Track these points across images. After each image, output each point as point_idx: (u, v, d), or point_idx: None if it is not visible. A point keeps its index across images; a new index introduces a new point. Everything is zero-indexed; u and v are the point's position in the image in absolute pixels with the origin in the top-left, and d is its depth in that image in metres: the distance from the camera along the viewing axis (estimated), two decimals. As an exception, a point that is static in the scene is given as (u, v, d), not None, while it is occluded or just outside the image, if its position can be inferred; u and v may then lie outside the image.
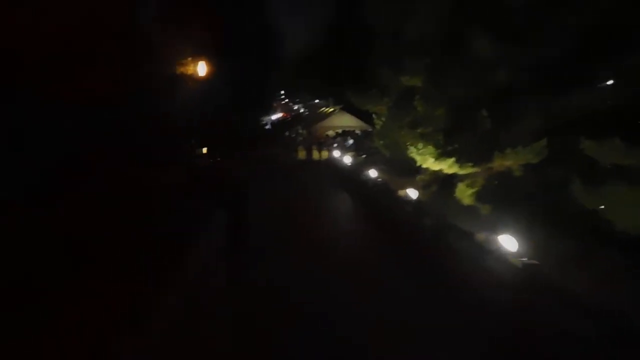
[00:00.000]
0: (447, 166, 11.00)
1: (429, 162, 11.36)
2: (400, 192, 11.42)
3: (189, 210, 10.20)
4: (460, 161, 10.84)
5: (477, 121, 10.88)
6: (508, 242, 6.60)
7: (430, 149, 11.25)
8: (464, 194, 11.07)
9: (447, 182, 13.33)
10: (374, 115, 19.24)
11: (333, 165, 21.63)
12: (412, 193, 10.89)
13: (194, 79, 21.38)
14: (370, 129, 28.47)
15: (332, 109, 32.56)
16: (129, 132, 16.78)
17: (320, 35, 35.20)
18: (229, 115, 27.25)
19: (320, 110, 35.59)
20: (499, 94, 10.91)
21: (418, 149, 11.44)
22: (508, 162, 11.09)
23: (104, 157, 14.09)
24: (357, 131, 29.97)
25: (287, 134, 31.66)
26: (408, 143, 12.33)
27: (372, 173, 14.70)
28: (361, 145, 28.40)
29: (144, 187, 13.78)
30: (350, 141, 29.06)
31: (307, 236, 10.01)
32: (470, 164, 10.94)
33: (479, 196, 10.82)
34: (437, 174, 13.22)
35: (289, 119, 45.86)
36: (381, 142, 17.63)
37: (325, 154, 26.23)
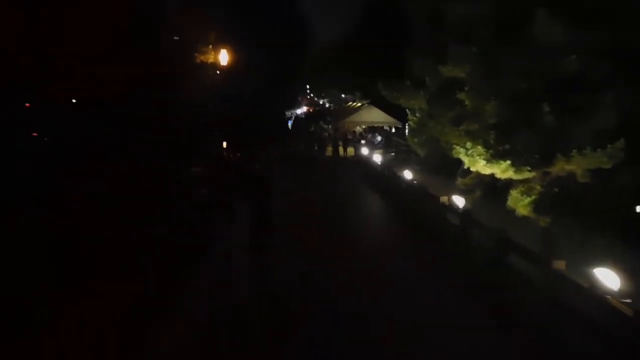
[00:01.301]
0: (501, 170, 9.28)
1: (479, 165, 9.65)
2: (443, 199, 9.75)
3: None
4: (516, 164, 9.11)
5: (538, 117, 9.14)
6: (605, 277, 4.94)
7: (480, 149, 9.55)
8: (519, 203, 9.35)
9: (493, 187, 11.61)
10: (407, 111, 17.55)
11: (361, 164, 19.91)
12: (459, 201, 9.21)
13: (215, 67, 20.05)
14: (400, 125, 26.69)
15: (359, 104, 30.83)
16: (146, 124, 15.57)
17: (350, 25, 33.51)
18: (254, 108, 25.92)
19: (347, 105, 33.87)
20: (565, 85, 9.13)
21: (466, 150, 9.73)
22: (571, 166, 9.33)
23: (117, 151, 13.03)
24: (386, 127, 28.20)
25: (312, 129, 30.13)
26: (453, 142, 10.63)
27: (407, 174, 13.01)
28: (390, 142, 26.68)
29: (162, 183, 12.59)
30: (379, 138, 27.36)
31: (339, 259, 8.06)
32: (527, 168, 9.20)
33: (537, 206, 9.08)
34: (482, 178, 11.49)
35: (315, 113, 44.32)
36: (416, 140, 15.95)
37: (351, 150, 24.59)
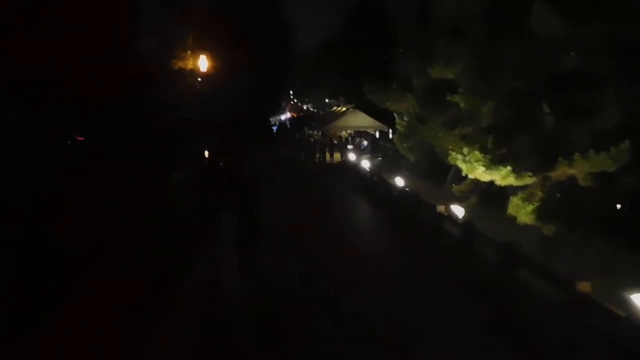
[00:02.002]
0: (501, 177, 8.61)
1: (478, 172, 8.97)
2: (440, 208, 9.04)
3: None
4: (517, 170, 8.44)
5: (537, 118, 8.50)
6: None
7: (477, 155, 8.87)
8: (521, 210, 8.68)
9: (489, 192, 10.96)
10: (395, 115, 16.90)
11: (349, 170, 19.13)
12: (457, 210, 8.51)
13: (195, 74, 19.20)
14: (386, 129, 26.08)
15: (344, 108, 30.17)
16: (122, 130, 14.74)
17: (334, 30, 32.90)
18: (237, 114, 25.05)
19: (332, 110, 33.20)
20: (565, 83, 8.51)
21: (463, 156, 9.04)
22: (573, 170, 8.70)
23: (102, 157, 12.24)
24: (372, 132, 27.57)
25: (297, 135, 29.36)
26: (449, 147, 9.94)
27: (398, 181, 12.29)
28: (377, 147, 26.03)
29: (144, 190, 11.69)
30: (365, 142, 26.69)
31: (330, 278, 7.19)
32: (529, 174, 8.55)
33: (541, 213, 8.41)
34: (477, 184, 10.84)
35: (299, 118, 43.55)
36: (404, 144, 15.27)
37: (338, 156, 23.85)
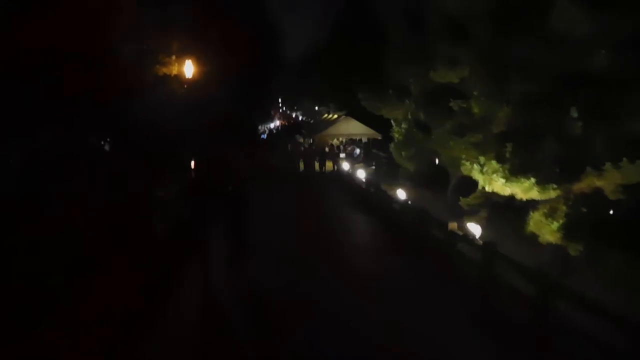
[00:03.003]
0: (523, 190, 7.55)
1: (496, 185, 7.90)
2: (452, 226, 7.94)
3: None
4: (541, 182, 7.39)
5: (562, 124, 7.47)
6: None
7: (494, 165, 7.81)
8: (544, 228, 7.61)
9: (500, 206, 9.90)
10: (392, 122, 15.87)
11: (344, 180, 17.97)
12: (473, 228, 7.42)
13: (179, 80, 17.98)
14: (379, 137, 25.07)
15: (335, 116, 29.13)
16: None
17: (322, 36, 31.96)
18: (224, 123, 23.82)
19: (323, 117, 32.15)
20: (592, 84, 7.51)
21: (480, 166, 7.96)
22: (602, 181, 7.67)
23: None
24: (365, 139, 26.53)
25: (288, 144, 28.25)
26: (462, 157, 8.86)
27: (400, 193, 11.20)
28: (370, 155, 25.00)
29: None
30: (358, 150, 25.64)
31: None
32: (553, 186, 7.50)
33: (568, 232, 7.35)
34: (488, 196, 9.78)
35: (289, 127, 42.39)
36: (403, 153, 14.21)
37: (330, 165, 22.72)
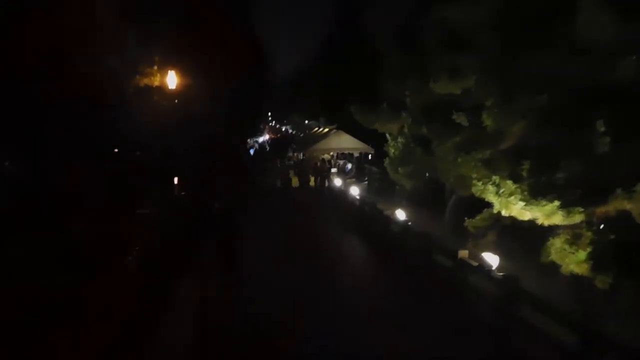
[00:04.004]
0: (545, 214, 6.58)
1: (514, 208, 6.92)
2: (462, 254, 6.95)
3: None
4: (566, 205, 6.43)
5: (588, 140, 6.54)
6: None
7: (510, 185, 6.84)
8: (568, 258, 6.63)
9: (510, 229, 8.92)
10: (388, 136, 14.91)
11: (336, 199, 16.90)
12: (489, 258, 6.43)
13: (162, 92, 16.89)
14: (372, 152, 24.14)
15: (326, 130, 28.18)
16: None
17: (316, 49, 31.16)
18: (210, 138, 22.72)
19: (314, 131, 31.19)
20: (622, 97, 6.62)
21: (497, 188, 6.98)
22: (632, 204, 6.72)
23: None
24: (357, 154, 25.58)
25: (277, 159, 27.20)
26: (473, 176, 7.88)
27: (399, 214, 10.20)
28: (362, 171, 24.03)
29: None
30: (349, 165, 24.67)
31: None
32: (579, 209, 6.54)
33: (598, 263, 6.38)
34: (498, 217, 8.79)
35: (278, 140, 41.33)
36: (400, 169, 13.23)
37: (312, 180, 21.61)
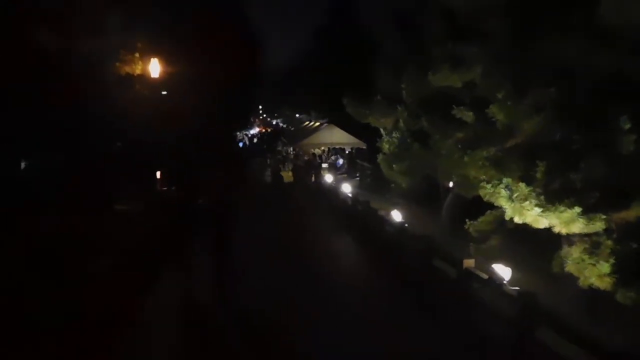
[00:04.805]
0: (563, 222, 5.80)
1: (530, 214, 6.12)
2: (468, 263, 6.16)
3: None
4: (589, 211, 5.66)
5: (614, 138, 5.76)
6: None
7: (523, 188, 6.05)
8: (588, 270, 5.86)
9: (515, 233, 8.16)
10: (382, 131, 14.10)
11: (328, 196, 16.00)
12: (501, 270, 5.64)
13: (145, 81, 15.85)
14: (364, 147, 23.32)
15: (317, 123, 27.31)
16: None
17: (308, 41, 30.18)
18: (197, 130, 21.72)
19: (304, 125, 30.29)
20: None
21: (509, 192, 6.16)
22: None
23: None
24: (348, 149, 24.75)
25: (267, 153, 26.28)
26: (482, 177, 7.06)
27: (395, 215, 9.39)
28: (354, 166, 23.23)
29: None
30: (341, 161, 23.85)
31: None
32: (602, 216, 5.78)
33: (623, 276, 5.62)
34: (502, 220, 8.03)
35: (268, 134, 40.34)
36: (395, 167, 12.43)
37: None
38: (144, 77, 15.83)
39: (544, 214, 5.96)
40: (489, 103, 8.04)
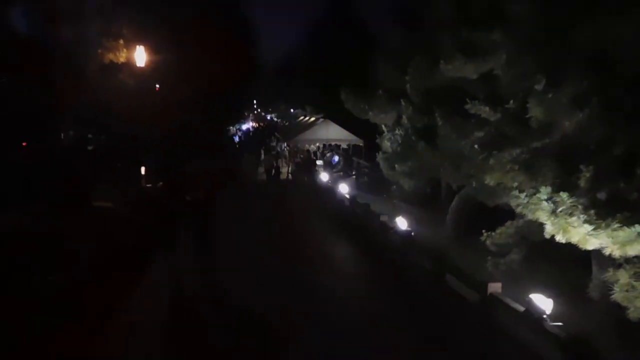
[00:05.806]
0: (619, 243, 4.66)
1: (576, 233, 4.97)
2: (494, 287, 5.02)
3: None
4: (647, 231, 4.54)
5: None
6: None
7: (565, 199, 4.91)
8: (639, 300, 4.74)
9: (539, 247, 7.04)
10: (384, 128, 12.94)
11: (322, 197, 14.79)
12: (539, 301, 4.49)
13: (130, 70, 14.55)
14: (361, 143, 22.13)
15: (312, 119, 26.07)
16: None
17: (305, 36, 28.89)
18: (186, 124, 20.44)
19: (299, 120, 29.04)
20: None
21: (553, 205, 4.99)
22: None
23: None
24: (344, 145, 23.57)
25: (260, 149, 25.03)
26: (514, 185, 5.88)
27: (400, 223, 8.24)
28: (350, 163, 22.05)
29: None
30: (336, 158, 22.66)
31: None
32: (660, 236, 4.66)
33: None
34: (525, 232, 6.91)
35: (262, 129, 39.04)
36: (398, 167, 11.27)
37: (306, 175, 19.60)
38: (129, 66, 14.55)
39: (594, 233, 4.84)
40: (510, 98, 6.92)
